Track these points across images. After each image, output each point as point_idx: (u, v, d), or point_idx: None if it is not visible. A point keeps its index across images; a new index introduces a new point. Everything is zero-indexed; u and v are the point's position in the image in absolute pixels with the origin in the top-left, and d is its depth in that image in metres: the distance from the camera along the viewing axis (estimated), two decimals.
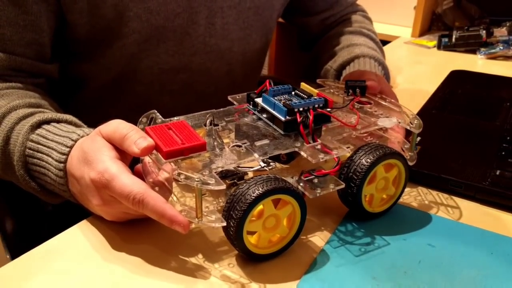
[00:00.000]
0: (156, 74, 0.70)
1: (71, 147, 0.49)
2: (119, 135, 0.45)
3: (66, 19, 0.63)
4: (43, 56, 0.63)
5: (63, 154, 0.48)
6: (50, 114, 0.54)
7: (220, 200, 0.45)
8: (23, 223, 0.74)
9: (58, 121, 0.54)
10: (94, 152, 0.45)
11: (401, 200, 0.52)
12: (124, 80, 0.70)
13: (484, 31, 1.15)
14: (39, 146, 0.51)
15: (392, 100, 0.55)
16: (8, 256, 0.63)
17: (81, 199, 0.48)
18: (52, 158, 0.49)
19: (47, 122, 0.53)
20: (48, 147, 0.50)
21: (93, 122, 0.48)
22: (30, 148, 0.51)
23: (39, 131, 0.52)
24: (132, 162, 0.48)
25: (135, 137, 0.44)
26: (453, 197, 0.56)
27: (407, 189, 0.53)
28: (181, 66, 0.71)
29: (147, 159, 0.47)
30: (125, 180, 0.42)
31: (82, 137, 0.49)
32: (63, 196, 0.51)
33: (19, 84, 0.60)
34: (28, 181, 0.52)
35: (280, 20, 0.93)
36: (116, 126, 0.45)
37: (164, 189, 0.45)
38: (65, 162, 0.48)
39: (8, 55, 0.59)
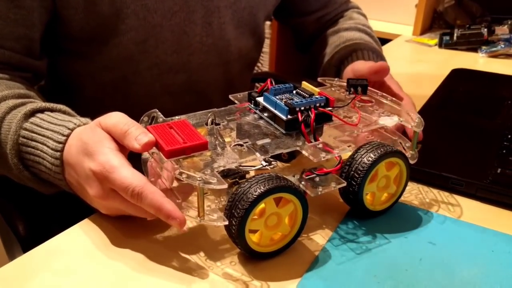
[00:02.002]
0: (155, 75, 0.70)
1: (67, 135, 0.49)
2: (120, 131, 0.45)
3: (59, 14, 0.62)
4: (32, 51, 0.63)
5: (60, 142, 0.48)
6: (43, 103, 0.54)
7: (222, 199, 0.45)
8: (35, 224, 0.75)
9: (52, 110, 0.54)
10: (95, 144, 0.45)
11: (402, 198, 0.52)
12: (124, 82, 0.70)
13: (485, 29, 1.15)
14: (33, 134, 0.50)
15: (394, 99, 0.55)
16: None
17: (77, 188, 0.48)
18: (48, 146, 0.49)
19: (41, 110, 0.53)
20: (43, 135, 0.50)
21: None
22: (23, 137, 0.51)
23: (32, 119, 0.52)
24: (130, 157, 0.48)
25: (136, 133, 0.44)
26: (454, 195, 0.56)
27: (408, 187, 0.53)
28: (180, 66, 0.71)
29: (145, 154, 0.47)
30: (125, 173, 0.42)
31: (78, 126, 0.49)
32: (57, 185, 0.51)
33: (6, 76, 0.59)
34: (21, 169, 0.52)
35: (277, 21, 0.93)
36: (117, 121, 0.45)
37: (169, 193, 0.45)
38: (61, 150, 0.48)
39: None
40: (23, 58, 0.62)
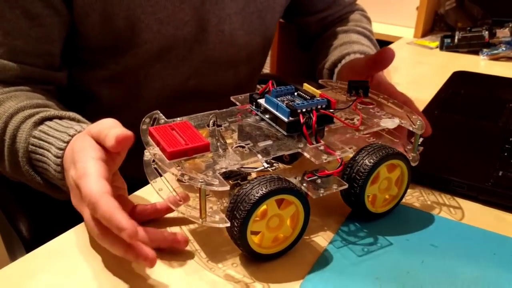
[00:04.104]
0: (167, 80, 0.70)
1: (68, 142, 0.49)
2: (103, 136, 0.44)
3: (78, 29, 0.63)
4: (53, 65, 0.64)
5: (60, 149, 0.49)
6: (54, 111, 0.54)
7: (224, 201, 0.45)
8: (38, 224, 0.75)
9: (60, 117, 0.54)
10: (79, 152, 0.44)
11: (403, 200, 0.52)
12: (136, 87, 0.70)
13: (486, 32, 1.15)
14: (40, 142, 0.51)
15: (395, 101, 0.55)
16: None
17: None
18: (51, 153, 0.50)
19: (50, 118, 0.54)
20: (48, 142, 0.51)
21: None
22: (32, 144, 0.52)
23: (41, 127, 0.53)
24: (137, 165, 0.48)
25: (113, 132, 0.43)
26: (456, 198, 0.56)
27: (409, 190, 0.53)
28: (191, 72, 0.72)
29: (147, 156, 0.47)
30: (91, 181, 0.40)
31: (79, 132, 0.50)
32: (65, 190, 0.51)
33: (28, 87, 0.61)
34: (33, 176, 0.53)
35: (281, 19, 0.94)
36: (101, 127, 0.45)
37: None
38: (62, 157, 0.49)
39: (20, 65, 0.59)
40: (44, 72, 0.62)
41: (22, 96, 0.58)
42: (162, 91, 0.71)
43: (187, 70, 0.71)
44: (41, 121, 0.53)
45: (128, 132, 0.43)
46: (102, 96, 0.72)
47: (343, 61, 0.77)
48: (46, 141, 0.51)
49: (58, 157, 0.49)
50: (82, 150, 0.45)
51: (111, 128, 0.44)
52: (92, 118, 0.56)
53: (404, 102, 0.55)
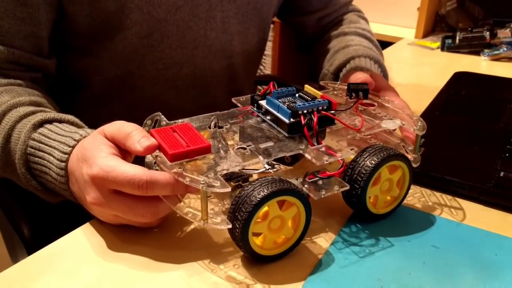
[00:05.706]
0: (160, 70, 0.71)
1: (73, 146, 0.49)
2: (123, 134, 0.45)
3: (65, 11, 0.63)
4: (41, 50, 0.63)
5: (65, 153, 0.49)
6: (52, 113, 0.54)
7: (225, 202, 0.45)
8: (40, 226, 0.75)
9: (60, 121, 0.54)
10: (92, 150, 0.45)
11: (405, 201, 0.52)
12: (129, 77, 0.70)
13: (487, 33, 1.15)
14: (40, 145, 0.51)
15: (396, 102, 0.55)
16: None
17: (78, 196, 0.49)
18: (54, 157, 0.50)
19: (49, 121, 0.54)
20: (50, 146, 0.50)
21: (99, 119, 0.48)
22: (31, 147, 0.52)
23: (41, 130, 0.52)
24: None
25: (139, 136, 0.44)
26: (457, 199, 0.56)
27: (411, 191, 0.53)
28: (184, 60, 0.72)
29: (149, 158, 0.47)
30: (126, 167, 0.43)
31: (84, 137, 0.50)
32: (63, 195, 0.51)
33: (18, 81, 0.60)
34: (29, 179, 0.53)
35: (279, 20, 0.94)
36: (120, 125, 0.46)
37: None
38: (66, 161, 0.49)
39: (7, 48, 0.59)
40: (32, 57, 0.62)
41: (13, 92, 0.57)
42: (156, 81, 0.71)
43: (180, 59, 0.71)
44: (41, 124, 0.53)
45: (155, 141, 0.44)
46: (96, 86, 0.71)
47: (348, 66, 0.77)
48: (47, 145, 0.51)
49: (62, 161, 0.49)
50: (97, 147, 0.45)
51: (130, 128, 0.45)
52: (88, 107, 0.56)
53: (400, 108, 0.55)
